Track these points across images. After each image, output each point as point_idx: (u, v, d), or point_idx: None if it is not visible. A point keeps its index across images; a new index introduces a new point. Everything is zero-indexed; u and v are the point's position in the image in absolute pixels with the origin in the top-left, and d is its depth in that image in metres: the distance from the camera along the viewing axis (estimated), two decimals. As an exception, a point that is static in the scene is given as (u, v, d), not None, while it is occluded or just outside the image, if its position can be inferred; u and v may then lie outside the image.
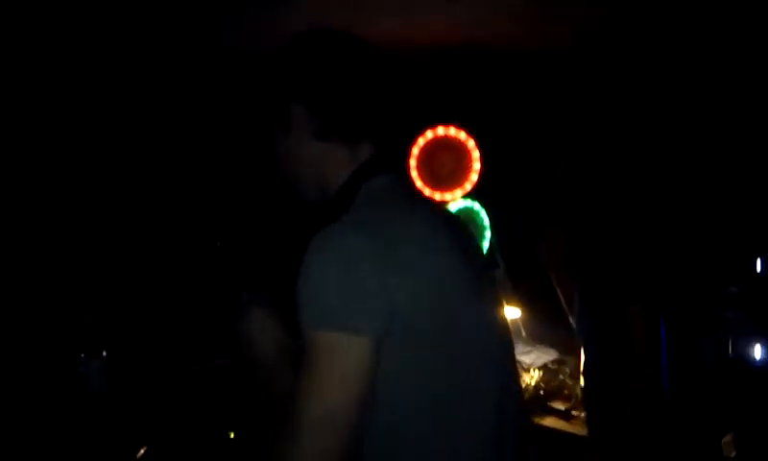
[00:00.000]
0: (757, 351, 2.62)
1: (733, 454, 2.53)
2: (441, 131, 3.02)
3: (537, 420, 2.53)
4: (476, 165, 3.00)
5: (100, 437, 1.96)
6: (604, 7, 2.11)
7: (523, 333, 3.13)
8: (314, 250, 1.14)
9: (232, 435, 2.04)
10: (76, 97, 2.77)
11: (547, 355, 2.92)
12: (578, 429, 2.45)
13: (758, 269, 2.62)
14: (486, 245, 3.12)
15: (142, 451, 1.91)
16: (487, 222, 3.13)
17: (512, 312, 3.11)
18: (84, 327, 2.03)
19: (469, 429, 1.19)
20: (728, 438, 2.54)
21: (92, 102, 2.82)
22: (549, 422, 2.52)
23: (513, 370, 1.36)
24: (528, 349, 2.99)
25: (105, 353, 2.05)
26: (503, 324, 1.36)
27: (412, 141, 3.02)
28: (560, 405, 2.60)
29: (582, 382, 2.52)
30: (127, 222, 2.91)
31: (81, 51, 2.50)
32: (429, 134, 3.02)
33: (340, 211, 1.25)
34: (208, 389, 2.26)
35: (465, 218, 3.09)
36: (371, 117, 1.29)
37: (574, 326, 2.02)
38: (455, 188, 3.05)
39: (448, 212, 1.44)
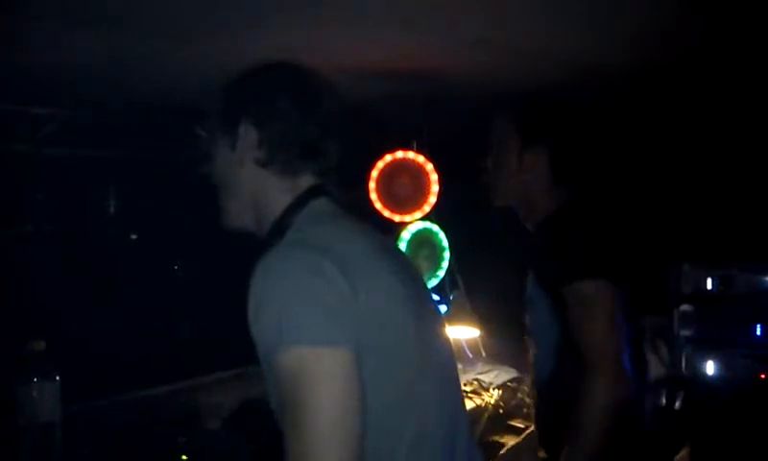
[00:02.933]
0: (710, 368, 2.68)
1: (689, 469, 2.58)
2: (399, 154, 3.05)
3: (497, 438, 2.54)
4: (434, 188, 3.04)
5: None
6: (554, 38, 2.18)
7: (483, 353, 3.15)
8: (263, 273, 1.13)
9: (185, 459, 2.01)
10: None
11: (507, 374, 2.94)
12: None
13: (710, 287, 2.69)
14: (445, 266, 3.15)
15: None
16: (445, 243, 3.16)
17: (471, 332, 3.14)
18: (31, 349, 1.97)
19: (418, 443, 1.19)
20: (683, 452, 2.58)
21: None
22: (509, 439, 2.54)
23: (457, 387, 1.37)
24: (488, 368, 3.01)
25: (58, 378, 2.00)
26: (445, 340, 1.36)
27: (371, 165, 3.05)
28: (519, 423, 2.62)
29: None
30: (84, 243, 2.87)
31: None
32: (388, 158, 3.05)
33: (277, 237, 1.25)
34: (160, 413, 2.22)
35: (421, 239, 3.12)
36: (316, 159, 1.30)
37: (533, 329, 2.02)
38: (414, 210, 3.07)
39: (382, 235, 1.45)
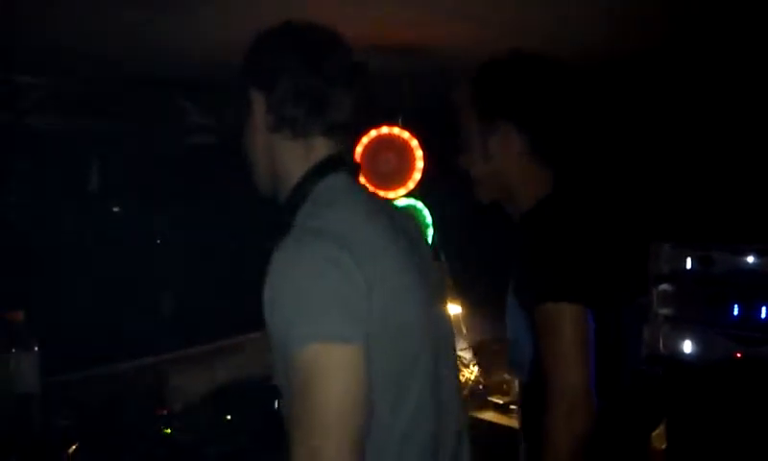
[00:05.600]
0: (687, 346, 2.71)
1: (664, 446, 2.62)
2: (384, 130, 3.04)
3: (476, 413, 2.57)
4: (419, 164, 3.04)
5: (28, 438, 1.90)
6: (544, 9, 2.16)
7: (464, 330, 3.17)
8: (281, 264, 1.13)
9: (168, 431, 2.01)
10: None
11: (487, 351, 2.96)
12: (516, 423, 2.50)
13: (689, 266, 2.71)
14: (428, 243, 3.15)
15: (73, 448, 1.87)
16: (429, 220, 3.17)
17: (452, 308, 3.15)
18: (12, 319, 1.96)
19: (417, 429, 1.22)
20: (659, 430, 2.62)
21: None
22: (488, 415, 2.57)
23: (455, 372, 1.40)
24: (466, 346, 3.04)
25: (37, 348, 2.00)
26: (448, 321, 1.38)
27: (355, 140, 3.03)
28: (498, 399, 2.65)
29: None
30: (63, 211, 2.85)
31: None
32: (373, 133, 3.04)
33: (293, 210, 1.26)
34: (141, 385, 2.22)
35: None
36: (325, 113, 1.28)
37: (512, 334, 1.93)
38: (398, 187, 3.07)
39: (398, 209, 1.45)
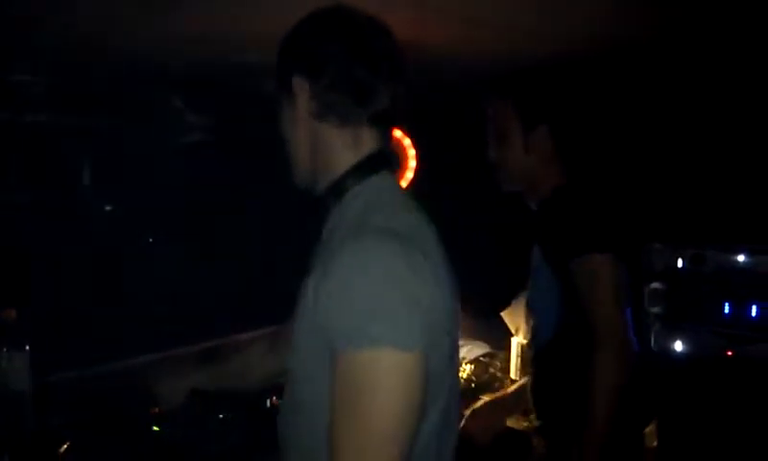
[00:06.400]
0: (678, 345, 2.72)
1: (655, 444, 2.63)
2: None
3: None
4: (412, 163, 3.05)
5: (20, 437, 1.90)
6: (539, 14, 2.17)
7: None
8: (355, 259, 1.09)
9: (156, 429, 2.01)
10: None
11: (479, 349, 2.97)
12: (514, 422, 2.51)
13: (680, 265, 2.72)
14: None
15: (65, 447, 1.87)
16: (422, 219, 3.17)
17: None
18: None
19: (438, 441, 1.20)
20: (651, 428, 2.63)
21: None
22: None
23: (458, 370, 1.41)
24: (461, 343, 3.04)
25: (28, 347, 2.00)
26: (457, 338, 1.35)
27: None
28: (489, 397, 2.65)
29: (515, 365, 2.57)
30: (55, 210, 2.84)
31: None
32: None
33: (336, 201, 1.24)
34: (132, 384, 2.22)
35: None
36: (372, 101, 1.24)
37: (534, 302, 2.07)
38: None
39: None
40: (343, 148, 1.25)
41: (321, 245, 1.25)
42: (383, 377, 1.04)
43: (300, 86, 1.24)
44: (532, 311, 2.08)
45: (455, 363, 1.29)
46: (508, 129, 2.00)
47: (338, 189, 1.25)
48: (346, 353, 1.05)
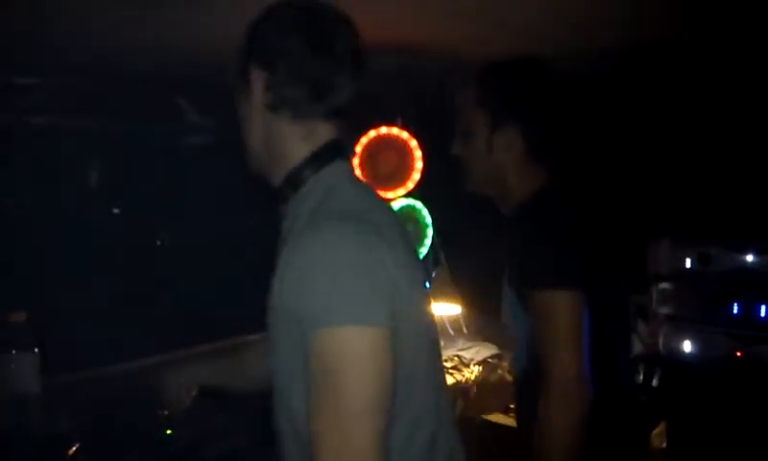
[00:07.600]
0: (687, 345, 2.71)
1: (664, 445, 2.62)
2: (384, 130, 3.04)
3: (479, 414, 2.57)
4: (418, 164, 3.04)
5: (28, 439, 1.90)
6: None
7: (464, 329, 3.17)
8: (312, 245, 1.11)
9: (168, 432, 2.02)
10: None
11: (487, 351, 2.97)
12: (514, 422, 2.50)
13: (688, 265, 2.71)
14: (428, 243, 3.16)
15: (74, 449, 1.87)
16: (429, 220, 3.17)
17: (453, 308, 3.16)
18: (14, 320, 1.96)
19: (418, 420, 1.21)
20: (660, 429, 2.62)
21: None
22: (492, 416, 2.57)
23: (442, 365, 1.38)
24: (469, 344, 3.04)
25: (37, 350, 2.00)
26: (433, 319, 1.37)
27: (355, 141, 3.04)
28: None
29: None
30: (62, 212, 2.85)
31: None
32: (372, 134, 3.05)
33: (291, 193, 1.24)
34: (143, 386, 2.22)
35: (404, 216, 3.13)
36: (328, 97, 1.23)
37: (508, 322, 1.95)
38: (397, 187, 3.08)
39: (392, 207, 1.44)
40: (297, 140, 1.25)
41: (281, 241, 1.25)
42: (350, 355, 1.06)
43: (257, 78, 1.23)
44: (509, 331, 1.91)
45: (434, 359, 1.29)
46: (472, 125, 1.79)
47: (294, 181, 1.25)
48: (314, 338, 1.07)
